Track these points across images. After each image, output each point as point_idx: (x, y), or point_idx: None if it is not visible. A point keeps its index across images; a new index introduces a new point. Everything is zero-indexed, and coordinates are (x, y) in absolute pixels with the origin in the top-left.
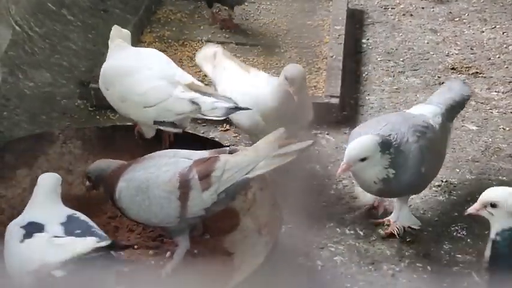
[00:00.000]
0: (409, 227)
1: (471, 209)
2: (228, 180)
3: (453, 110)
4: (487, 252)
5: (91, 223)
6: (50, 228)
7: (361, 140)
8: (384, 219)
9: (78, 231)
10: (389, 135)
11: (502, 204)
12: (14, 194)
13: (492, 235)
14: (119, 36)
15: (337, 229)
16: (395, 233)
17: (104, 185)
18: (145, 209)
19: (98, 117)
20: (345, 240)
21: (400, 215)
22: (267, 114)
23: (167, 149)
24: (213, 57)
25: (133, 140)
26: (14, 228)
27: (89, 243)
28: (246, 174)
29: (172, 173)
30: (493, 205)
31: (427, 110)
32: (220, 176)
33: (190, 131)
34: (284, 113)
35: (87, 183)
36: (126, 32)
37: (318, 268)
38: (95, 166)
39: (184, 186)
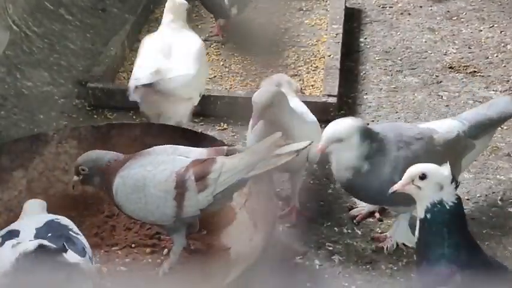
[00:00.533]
0: (403, 244)
1: (397, 186)
2: (224, 183)
3: (482, 128)
4: (416, 235)
5: (72, 227)
6: (24, 234)
7: (340, 121)
8: (382, 235)
9: (50, 234)
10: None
11: (431, 174)
12: (10, 196)
13: (421, 214)
14: (172, 10)
15: (335, 228)
16: (385, 249)
17: (99, 177)
18: (141, 207)
19: (95, 116)
20: (343, 239)
21: (396, 231)
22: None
23: None
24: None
25: (129, 138)
26: None
27: (33, 243)
28: (243, 175)
29: (169, 172)
30: (422, 176)
31: (445, 123)
32: (216, 178)
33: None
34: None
35: (75, 177)
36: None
37: (316, 267)
38: (87, 158)
39: (180, 187)
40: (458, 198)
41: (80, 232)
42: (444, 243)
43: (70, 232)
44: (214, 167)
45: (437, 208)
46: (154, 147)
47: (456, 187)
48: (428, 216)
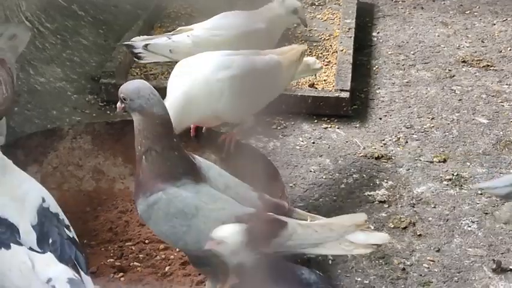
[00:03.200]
0: None
1: None
2: (287, 250)
3: None
4: None
5: (62, 215)
6: (24, 235)
7: None
8: None
9: (51, 241)
10: None
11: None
12: None
13: None
14: None
15: None
16: None
17: (139, 118)
18: (177, 233)
19: (108, 112)
20: None
21: None
22: None
23: None
24: None
25: None
26: None
27: (63, 279)
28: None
29: (228, 214)
30: None
31: None
32: (281, 245)
33: None
34: None
35: (119, 104)
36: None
37: (329, 262)
38: (132, 92)
39: None
40: None
41: (65, 222)
42: None
43: (64, 230)
44: (284, 233)
45: None
46: (203, 161)
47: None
48: None
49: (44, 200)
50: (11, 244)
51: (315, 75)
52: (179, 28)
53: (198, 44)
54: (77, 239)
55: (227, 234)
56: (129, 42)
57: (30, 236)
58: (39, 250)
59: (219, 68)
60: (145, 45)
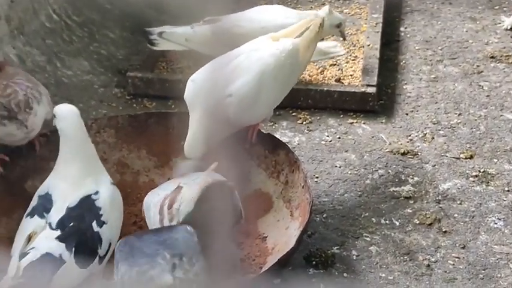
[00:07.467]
0: None
1: None
2: (182, 213)
3: None
4: None
5: (103, 212)
6: (53, 212)
7: None
8: None
9: (71, 224)
10: None
11: None
12: None
13: None
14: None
15: (373, 219)
16: None
17: None
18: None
19: (134, 105)
20: (380, 230)
21: None
22: None
23: None
24: None
25: (166, 127)
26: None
27: (40, 251)
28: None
29: (162, 197)
30: None
31: None
32: (178, 208)
33: None
34: None
35: None
36: None
37: (353, 258)
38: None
39: (160, 213)
40: None
41: (108, 218)
42: None
43: (94, 223)
44: (178, 197)
45: None
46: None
47: None
48: None
49: (96, 193)
50: (35, 215)
51: (342, 69)
52: (208, 18)
53: (217, 34)
54: (102, 237)
55: None
56: (147, 29)
57: (57, 214)
58: (53, 227)
59: (227, 80)
60: (160, 33)
